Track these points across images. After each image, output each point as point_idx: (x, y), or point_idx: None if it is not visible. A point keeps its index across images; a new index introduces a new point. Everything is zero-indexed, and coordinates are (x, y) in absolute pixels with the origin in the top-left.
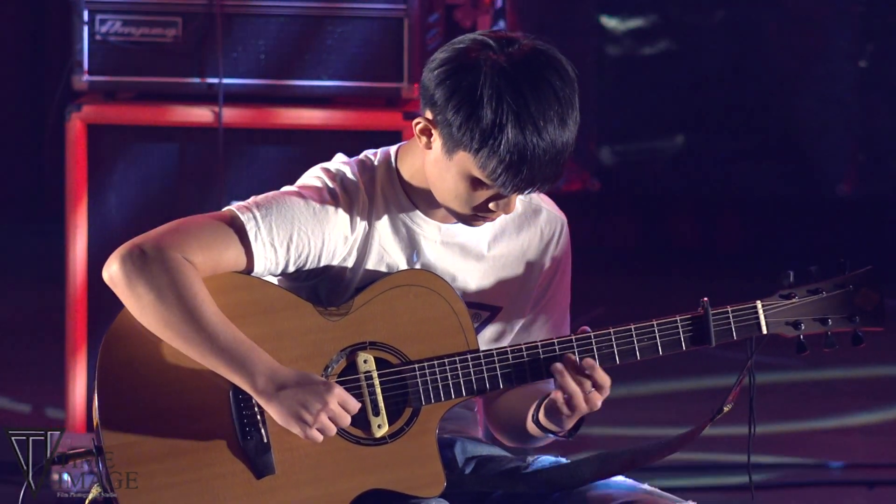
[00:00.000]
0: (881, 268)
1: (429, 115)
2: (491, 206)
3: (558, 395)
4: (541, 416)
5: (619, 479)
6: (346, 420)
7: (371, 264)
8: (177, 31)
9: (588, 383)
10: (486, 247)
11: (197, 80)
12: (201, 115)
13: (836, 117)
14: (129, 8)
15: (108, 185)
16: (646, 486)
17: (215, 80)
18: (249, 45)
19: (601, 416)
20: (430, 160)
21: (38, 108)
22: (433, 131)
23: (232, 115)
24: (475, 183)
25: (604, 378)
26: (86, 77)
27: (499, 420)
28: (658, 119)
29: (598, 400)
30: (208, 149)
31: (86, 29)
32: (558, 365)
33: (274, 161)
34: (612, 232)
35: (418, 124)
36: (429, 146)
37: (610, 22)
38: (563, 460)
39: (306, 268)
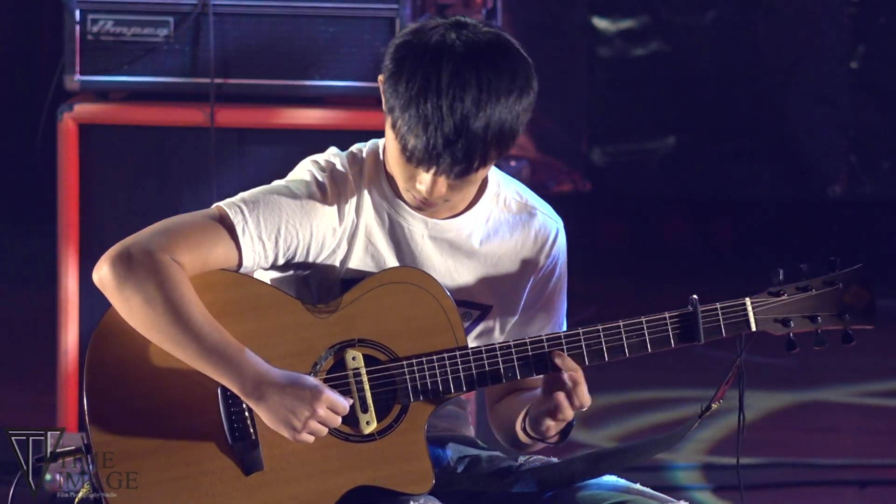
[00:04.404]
0: (873, 268)
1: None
2: (418, 185)
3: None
4: (527, 425)
5: (612, 479)
6: (336, 422)
7: (359, 256)
8: (168, 30)
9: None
10: (477, 244)
11: (189, 79)
12: (193, 115)
13: (828, 118)
14: (121, 8)
15: (100, 185)
16: (638, 486)
17: (207, 80)
18: (241, 44)
19: (594, 417)
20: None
21: (30, 108)
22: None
23: (224, 115)
24: (397, 151)
25: (584, 399)
26: (77, 77)
27: (496, 424)
28: (649, 120)
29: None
30: (200, 149)
31: (77, 29)
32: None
33: (266, 161)
34: (603, 233)
35: (381, 84)
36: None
37: (601, 23)
38: (555, 460)
39: (296, 260)
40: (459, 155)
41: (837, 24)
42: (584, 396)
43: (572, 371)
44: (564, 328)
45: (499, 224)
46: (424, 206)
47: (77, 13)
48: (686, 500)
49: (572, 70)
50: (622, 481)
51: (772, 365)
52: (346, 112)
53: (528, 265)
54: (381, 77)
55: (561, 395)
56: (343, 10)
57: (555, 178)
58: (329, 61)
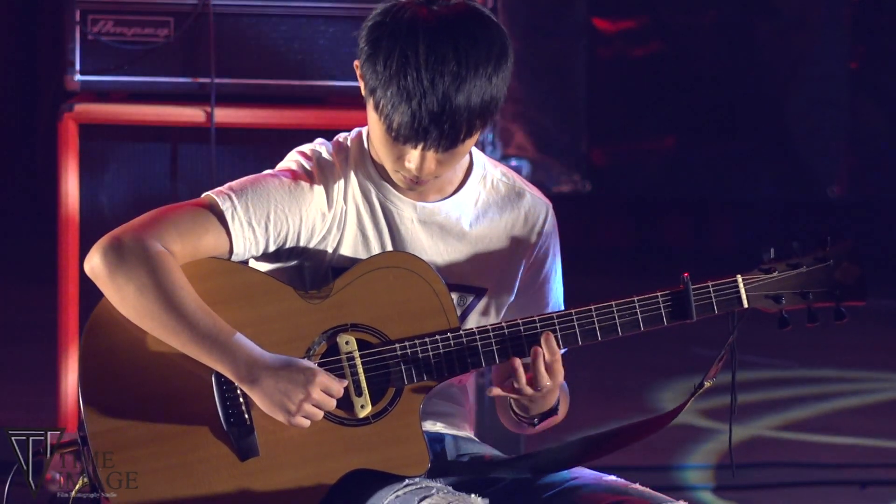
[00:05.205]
0: (873, 268)
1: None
2: (407, 164)
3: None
4: (513, 403)
5: (612, 478)
6: (331, 405)
7: (349, 242)
8: (168, 30)
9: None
10: (467, 227)
11: (189, 79)
12: (193, 114)
13: (828, 119)
14: (121, 8)
15: (101, 184)
16: (637, 486)
17: (207, 80)
18: (241, 44)
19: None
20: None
21: (31, 108)
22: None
23: (224, 114)
24: (381, 133)
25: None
26: (78, 77)
27: (500, 406)
28: (649, 120)
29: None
30: (200, 148)
31: (77, 29)
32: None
33: (266, 161)
34: (603, 233)
35: (357, 69)
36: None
37: (601, 23)
38: None
39: (287, 246)
40: (446, 128)
41: (837, 24)
42: (541, 374)
43: (550, 353)
44: (562, 309)
45: (488, 206)
46: (415, 185)
47: (77, 13)
48: (685, 501)
49: (572, 70)
50: (621, 480)
51: (772, 365)
52: (345, 112)
53: (520, 246)
54: (356, 62)
55: (516, 362)
56: (343, 10)
57: (555, 178)
58: (329, 61)
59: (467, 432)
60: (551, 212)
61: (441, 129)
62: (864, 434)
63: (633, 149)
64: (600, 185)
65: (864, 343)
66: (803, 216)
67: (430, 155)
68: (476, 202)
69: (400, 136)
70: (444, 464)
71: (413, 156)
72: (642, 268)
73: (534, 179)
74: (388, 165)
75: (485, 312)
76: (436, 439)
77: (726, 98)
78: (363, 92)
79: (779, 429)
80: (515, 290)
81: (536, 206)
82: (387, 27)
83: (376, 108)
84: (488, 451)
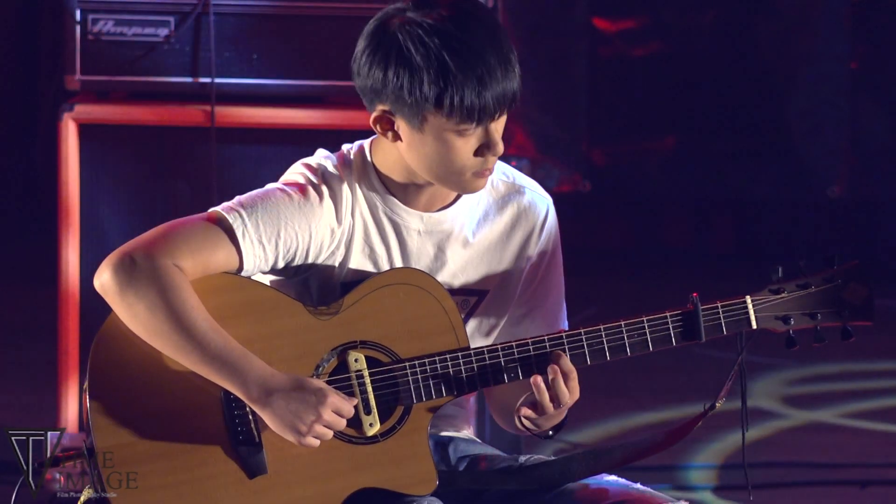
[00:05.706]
0: (872, 269)
1: (379, 106)
2: (485, 147)
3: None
4: (521, 415)
5: (612, 478)
6: (342, 425)
7: (357, 258)
8: (169, 30)
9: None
10: (470, 233)
11: (189, 79)
12: (194, 114)
13: (828, 119)
14: (122, 7)
15: (101, 184)
16: (638, 486)
17: (208, 80)
18: (242, 44)
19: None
20: (406, 149)
21: (31, 108)
22: (393, 119)
23: (224, 114)
24: (455, 137)
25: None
26: (78, 77)
27: (494, 406)
28: (649, 120)
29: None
30: (201, 148)
31: (78, 28)
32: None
33: (267, 161)
34: (603, 233)
35: (376, 122)
36: (397, 137)
37: (601, 23)
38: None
39: (295, 262)
40: (515, 82)
41: (837, 24)
42: (563, 391)
43: (566, 371)
44: (564, 305)
45: (489, 207)
46: (488, 171)
47: (77, 13)
48: (686, 501)
49: (572, 70)
50: (622, 481)
51: (772, 365)
52: (346, 112)
53: (521, 245)
54: (377, 116)
55: (539, 381)
56: (343, 9)
57: (555, 178)
58: (330, 61)
59: (468, 433)
60: (552, 208)
61: (511, 80)
62: (864, 434)
63: (633, 149)
64: (600, 185)
65: (863, 343)
66: (803, 216)
67: (503, 119)
68: (478, 204)
69: (487, 113)
70: (448, 473)
71: (492, 137)
72: (642, 268)
73: (534, 179)
74: (464, 174)
75: (487, 314)
76: (438, 442)
77: (726, 98)
78: (406, 126)
79: (780, 430)
80: (519, 289)
81: (537, 202)
82: (395, 42)
83: (450, 114)
84: (490, 451)
